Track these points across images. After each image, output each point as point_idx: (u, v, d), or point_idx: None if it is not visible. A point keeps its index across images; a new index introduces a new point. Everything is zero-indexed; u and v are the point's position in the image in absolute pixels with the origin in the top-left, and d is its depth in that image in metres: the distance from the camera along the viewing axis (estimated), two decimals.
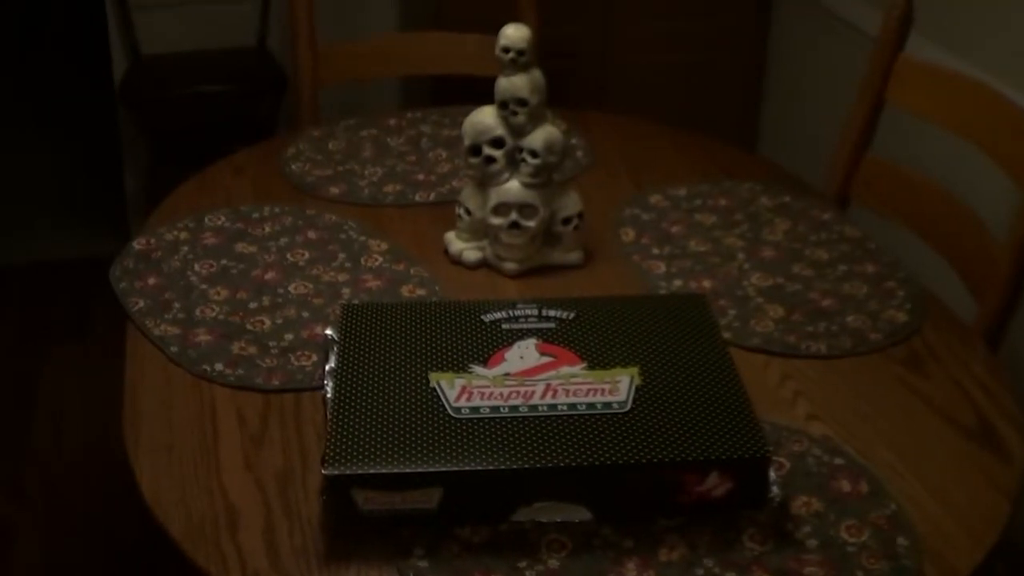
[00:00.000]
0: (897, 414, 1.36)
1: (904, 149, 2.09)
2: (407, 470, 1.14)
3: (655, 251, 1.68)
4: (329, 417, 1.22)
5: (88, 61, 4.04)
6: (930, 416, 1.36)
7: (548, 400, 1.23)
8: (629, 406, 1.23)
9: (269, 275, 1.60)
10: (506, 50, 1.56)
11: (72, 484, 2.49)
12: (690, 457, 1.16)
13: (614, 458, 1.15)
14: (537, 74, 1.59)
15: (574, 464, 1.15)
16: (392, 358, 1.30)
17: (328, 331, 1.40)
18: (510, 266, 1.62)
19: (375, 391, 1.25)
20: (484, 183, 1.62)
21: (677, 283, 1.60)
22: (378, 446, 1.17)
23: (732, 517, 1.19)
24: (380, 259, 1.64)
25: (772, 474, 1.19)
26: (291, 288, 1.57)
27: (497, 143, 1.59)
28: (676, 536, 1.17)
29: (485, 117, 1.60)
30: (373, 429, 1.19)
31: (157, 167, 3.14)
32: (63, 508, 2.43)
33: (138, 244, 1.67)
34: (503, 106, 1.59)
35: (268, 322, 1.50)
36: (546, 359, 1.30)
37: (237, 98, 3.06)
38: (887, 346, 1.47)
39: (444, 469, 1.14)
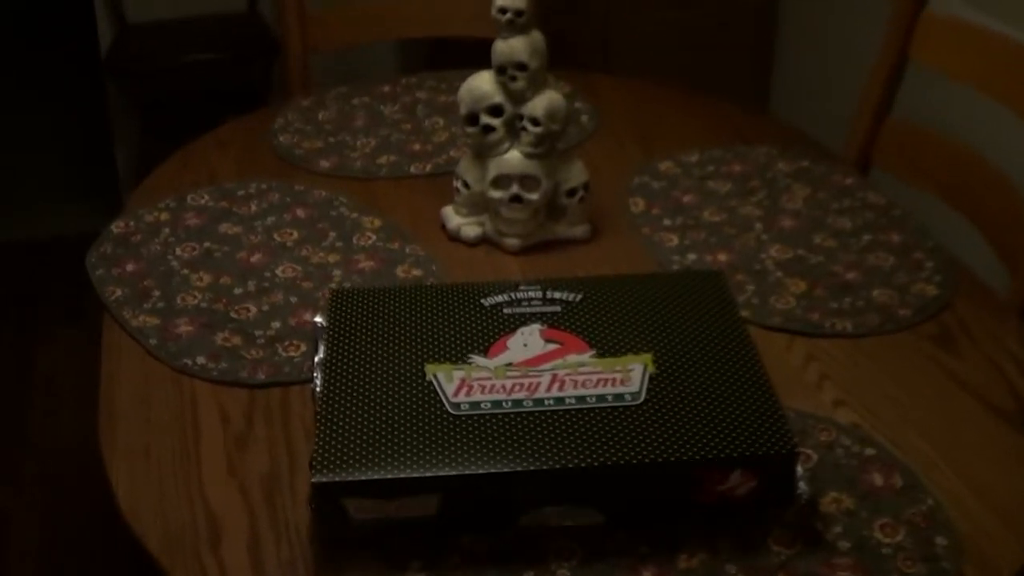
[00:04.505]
0: (930, 398, 1.26)
1: (930, 110, 1.98)
2: (401, 475, 1.05)
3: (666, 222, 1.58)
4: (317, 417, 1.12)
5: (75, 31, 3.92)
6: (965, 399, 1.26)
7: (555, 392, 1.14)
8: (643, 397, 1.13)
9: (255, 257, 1.50)
10: (503, 11, 1.46)
11: (69, 471, 2.41)
12: (710, 454, 1.06)
13: (627, 457, 1.06)
14: (537, 36, 1.48)
15: (583, 465, 1.05)
16: (385, 349, 1.20)
17: (317, 318, 1.30)
18: (512, 242, 1.53)
19: (366, 386, 1.15)
20: (482, 154, 1.51)
21: (691, 257, 1.50)
22: (370, 448, 1.07)
23: (756, 518, 1.09)
24: (373, 237, 1.54)
25: (799, 469, 1.09)
26: (278, 271, 1.47)
27: (495, 111, 1.49)
28: (695, 540, 1.07)
29: (482, 83, 1.50)
30: (364, 429, 1.10)
31: (148, 140, 3.04)
32: (60, 496, 2.35)
33: (116, 228, 1.58)
34: (501, 71, 1.48)
35: (254, 309, 1.40)
36: (552, 346, 1.21)
37: (228, 66, 2.95)
38: (917, 323, 1.37)
39: (442, 474, 1.05)
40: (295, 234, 1.55)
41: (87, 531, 2.28)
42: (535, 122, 1.47)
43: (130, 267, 1.49)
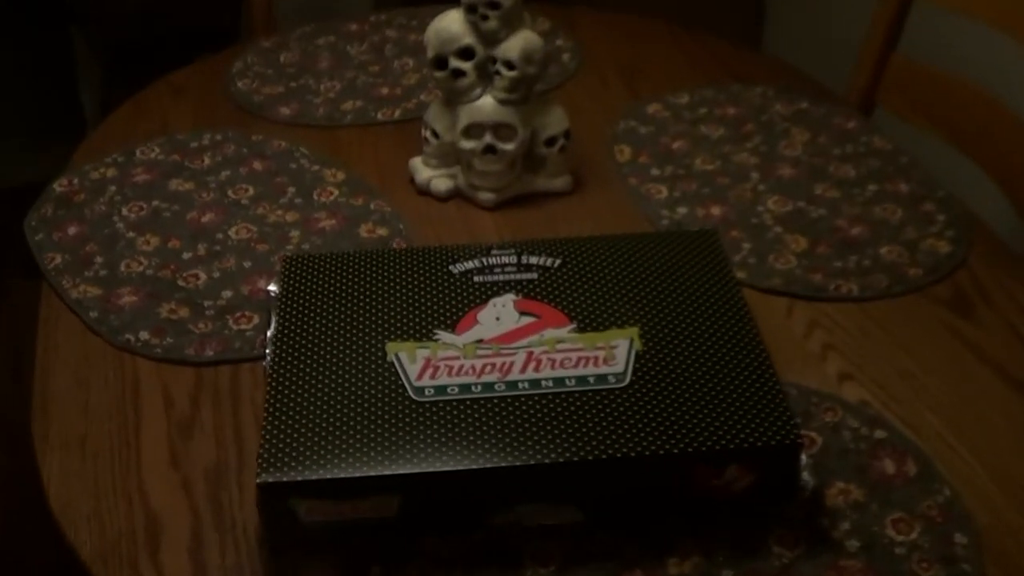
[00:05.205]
0: (944, 369, 1.15)
1: (939, 47, 1.85)
2: (356, 475, 0.93)
3: (655, 172, 1.45)
4: (265, 405, 1.01)
5: None
6: (983, 371, 1.14)
7: (530, 374, 1.02)
8: (628, 379, 1.01)
9: (207, 217, 1.38)
10: None
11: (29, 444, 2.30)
12: (704, 447, 0.94)
13: (611, 450, 0.94)
14: None
15: (562, 460, 0.94)
16: (342, 324, 1.08)
17: (271, 287, 1.19)
18: (486, 196, 1.40)
19: (320, 370, 1.03)
20: (452, 100, 1.38)
21: (681, 210, 1.38)
22: (323, 443, 0.96)
23: (755, 514, 0.98)
24: (335, 192, 1.42)
25: (803, 457, 0.98)
26: (231, 232, 1.35)
27: (466, 54, 1.36)
28: (687, 541, 0.96)
29: (451, 23, 1.36)
30: (317, 420, 0.98)
31: (113, 85, 2.89)
32: (25, 463, 2.24)
33: (59, 186, 1.45)
34: (471, 9, 1.35)
35: (203, 276, 1.28)
36: (527, 320, 1.09)
37: (194, 5, 2.80)
38: (928, 284, 1.25)
39: (402, 472, 0.93)
40: (251, 190, 1.42)
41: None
42: (509, 65, 1.34)
43: (72, 230, 1.37)
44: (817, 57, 2.44)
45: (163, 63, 1.94)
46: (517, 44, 1.34)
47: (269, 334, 1.12)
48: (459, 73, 1.36)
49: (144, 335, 1.20)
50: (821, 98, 1.58)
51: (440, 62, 1.36)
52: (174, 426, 1.10)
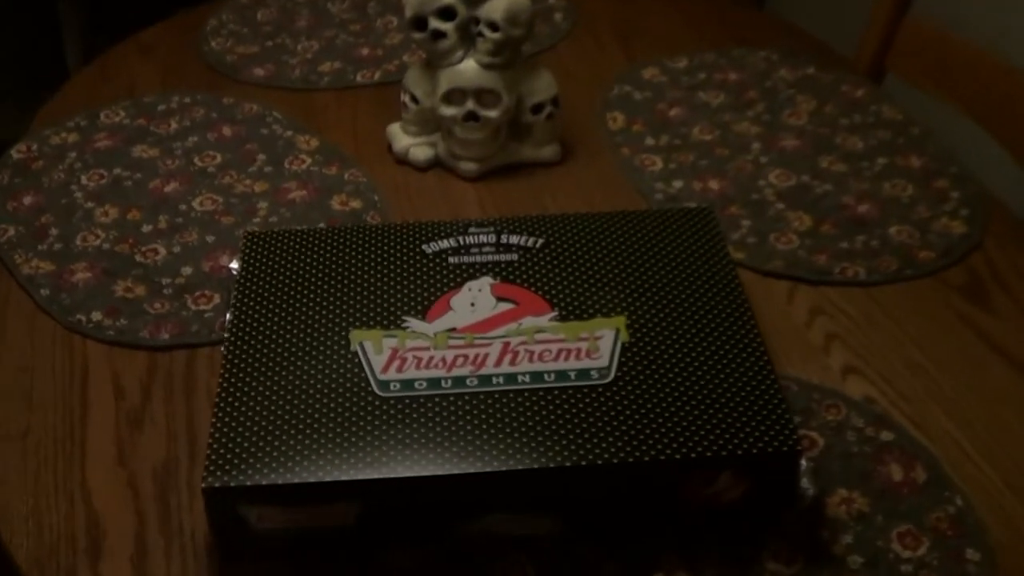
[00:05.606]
0: (956, 362, 1.06)
1: (956, 9, 1.75)
2: (311, 480, 0.85)
3: (649, 141, 1.36)
4: (216, 402, 0.92)
5: None
6: (1000, 366, 1.06)
7: (505, 368, 0.94)
8: (613, 375, 0.93)
9: (170, 187, 1.29)
10: None
11: None
12: (693, 453, 0.86)
13: (591, 456, 0.86)
14: None
15: (537, 466, 0.86)
16: (303, 310, 1.00)
17: (233, 264, 1.10)
18: (468, 166, 1.31)
19: (277, 361, 0.95)
20: (433, 64, 1.29)
21: (677, 184, 1.29)
22: (276, 443, 0.88)
23: (748, 526, 0.90)
24: (308, 160, 1.33)
25: (802, 462, 0.90)
26: (195, 203, 1.26)
27: (446, 13, 1.26)
28: (674, 555, 0.88)
29: None
30: (271, 418, 0.90)
31: (98, 38, 2.80)
32: None
33: (17, 152, 1.36)
34: None
35: (163, 251, 1.20)
36: (504, 306, 1.00)
37: None
38: (941, 268, 1.16)
39: (361, 477, 0.85)
40: (218, 157, 1.34)
41: None
42: (493, 27, 1.24)
43: (28, 200, 1.28)
44: (825, 19, 2.34)
45: (150, 15, 1.85)
46: (501, 3, 1.24)
47: (229, 317, 1.03)
48: (439, 34, 1.26)
49: (96, 315, 1.12)
50: (828, 63, 1.48)
51: (419, 22, 1.27)
52: (123, 417, 1.02)
